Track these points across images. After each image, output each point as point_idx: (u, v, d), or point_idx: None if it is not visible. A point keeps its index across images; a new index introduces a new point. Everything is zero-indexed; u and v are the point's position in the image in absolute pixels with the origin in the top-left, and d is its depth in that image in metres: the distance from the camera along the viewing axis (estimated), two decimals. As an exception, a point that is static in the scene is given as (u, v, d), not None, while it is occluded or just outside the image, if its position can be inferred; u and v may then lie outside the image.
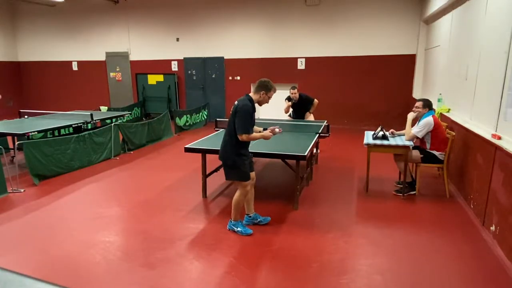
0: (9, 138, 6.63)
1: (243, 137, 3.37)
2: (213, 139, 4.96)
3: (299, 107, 6.94)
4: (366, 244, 3.47)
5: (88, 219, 4.05)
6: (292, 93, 6.71)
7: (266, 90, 3.51)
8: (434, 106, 5.09)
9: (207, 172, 4.69)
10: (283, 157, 4.21)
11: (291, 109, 7.08)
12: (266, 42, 10.34)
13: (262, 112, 10.94)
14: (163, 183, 5.27)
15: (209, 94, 11.26)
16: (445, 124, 5.29)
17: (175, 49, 11.21)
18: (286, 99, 6.91)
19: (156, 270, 3.03)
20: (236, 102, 3.51)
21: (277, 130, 3.53)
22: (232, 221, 3.72)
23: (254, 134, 3.47)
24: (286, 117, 8.06)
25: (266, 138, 3.54)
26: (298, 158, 4.08)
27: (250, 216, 3.89)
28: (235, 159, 3.48)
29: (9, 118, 8.37)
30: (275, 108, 10.60)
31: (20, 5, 12.37)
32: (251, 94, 3.55)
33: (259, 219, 3.90)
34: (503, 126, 3.64)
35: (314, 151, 5.81)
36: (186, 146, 4.50)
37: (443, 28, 6.83)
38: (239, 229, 3.65)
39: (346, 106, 9.85)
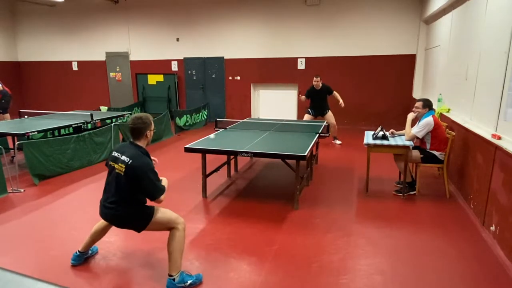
0: (9, 138, 6.63)
1: (161, 198, 2.72)
2: (213, 139, 4.95)
3: (320, 95, 7.64)
4: (366, 244, 3.47)
5: (88, 219, 4.04)
6: (315, 81, 7.53)
7: (150, 127, 2.81)
8: (434, 106, 5.09)
9: (207, 172, 4.69)
10: (283, 157, 4.20)
11: (308, 113, 7.74)
12: (266, 42, 10.34)
13: (263, 113, 10.95)
14: (163, 183, 5.26)
15: (209, 94, 11.25)
16: (445, 124, 5.29)
17: (175, 49, 11.21)
18: (305, 95, 7.70)
19: (156, 270, 3.03)
20: (127, 160, 2.62)
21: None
22: (174, 276, 2.72)
23: (164, 186, 2.82)
24: (287, 117, 8.05)
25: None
26: (298, 158, 4.08)
27: (82, 252, 3.08)
28: (146, 214, 2.79)
29: (9, 118, 8.37)
30: (277, 108, 10.70)
31: (20, 5, 12.37)
32: (139, 143, 2.77)
33: (90, 253, 3.19)
34: (503, 126, 3.64)
35: (314, 151, 5.81)
36: (186, 146, 4.49)
37: (443, 28, 6.83)
38: (189, 281, 2.73)
39: (346, 106, 9.74)
